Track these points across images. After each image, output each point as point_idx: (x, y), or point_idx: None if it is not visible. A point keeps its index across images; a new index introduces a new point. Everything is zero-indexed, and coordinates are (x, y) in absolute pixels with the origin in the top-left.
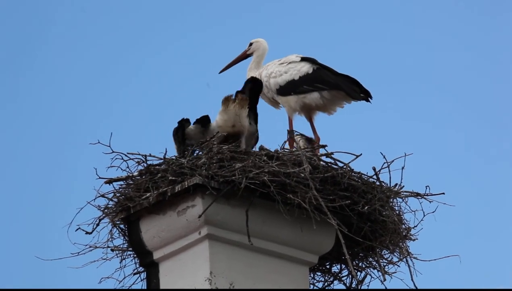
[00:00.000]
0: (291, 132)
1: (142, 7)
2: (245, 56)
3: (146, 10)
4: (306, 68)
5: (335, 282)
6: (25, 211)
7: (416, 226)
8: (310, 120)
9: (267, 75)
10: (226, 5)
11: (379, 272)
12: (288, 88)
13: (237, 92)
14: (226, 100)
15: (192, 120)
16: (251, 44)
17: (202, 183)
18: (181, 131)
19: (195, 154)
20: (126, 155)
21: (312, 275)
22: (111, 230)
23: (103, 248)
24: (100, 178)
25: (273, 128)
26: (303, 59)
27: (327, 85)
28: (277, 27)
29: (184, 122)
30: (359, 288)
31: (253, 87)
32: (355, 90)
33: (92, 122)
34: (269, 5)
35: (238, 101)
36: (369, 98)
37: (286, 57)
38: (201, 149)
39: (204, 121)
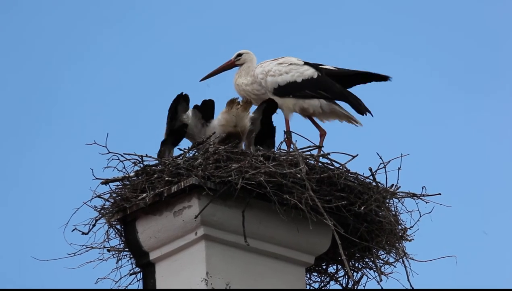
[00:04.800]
0: (288, 133)
1: (141, 7)
2: (231, 66)
3: (145, 9)
4: (311, 72)
5: (332, 282)
6: (21, 211)
7: (412, 227)
8: (309, 117)
9: (264, 72)
10: (225, 6)
11: (375, 273)
12: (288, 89)
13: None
14: (231, 103)
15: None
16: (240, 54)
17: (199, 183)
18: (173, 107)
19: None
20: (122, 156)
21: (308, 275)
22: (107, 231)
23: (99, 248)
24: (96, 178)
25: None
26: (306, 63)
27: (332, 95)
28: (275, 31)
29: (181, 99)
30: (355, 288)
31: (268, 108)
32: (360, 104)
33: (88, 123)
34: (266, 10)
35: (242, 104)
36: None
37: (284, 58)
38: (197, 149)
39: (205, 109)
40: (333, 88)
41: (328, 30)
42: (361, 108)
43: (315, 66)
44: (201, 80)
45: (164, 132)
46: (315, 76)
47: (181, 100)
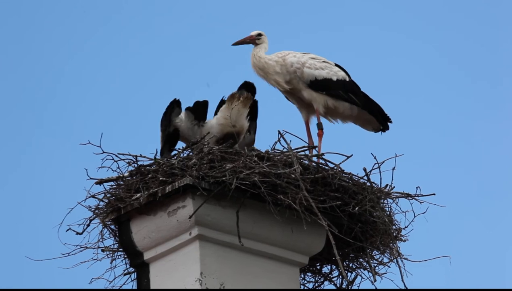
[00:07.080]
0: (319, 124)
1: (137, 7)
2: (251, 42)
3: (141, 10)
4: (343, 74)
5: (326, 282)
6: (15, 211)
7: (406, 227)
8: (307, 124)
9: (300, 62)
10: (226, 6)
11: (369, 273)
12: (323, 85)
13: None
14: (232, 97)
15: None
16: (260, 34)
17: (193, 183)
18: (168, 115)
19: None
20: (116, 156)
21: (302, 275)
22: (101, 231)
23: (94, 248)
24: (90, 178)
25: (266, 128)
26: (336, 65)
27: (360, 101)
28: (274, 30)
29: (174, 105)
30: (349, 288)
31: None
32: (381, 116)
33: (83, 123)
34: (269, 10)
35: (242, 99)
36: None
37: (314, 55)
38: (191, 149)
39: (198, 110)
40: (361, 95)
41: (328, 29)
42: (381, 121)
43: (345, 70)
44: (233, 44)
45: (160, 139)
46: (347, 79)
47: (175, 106)
